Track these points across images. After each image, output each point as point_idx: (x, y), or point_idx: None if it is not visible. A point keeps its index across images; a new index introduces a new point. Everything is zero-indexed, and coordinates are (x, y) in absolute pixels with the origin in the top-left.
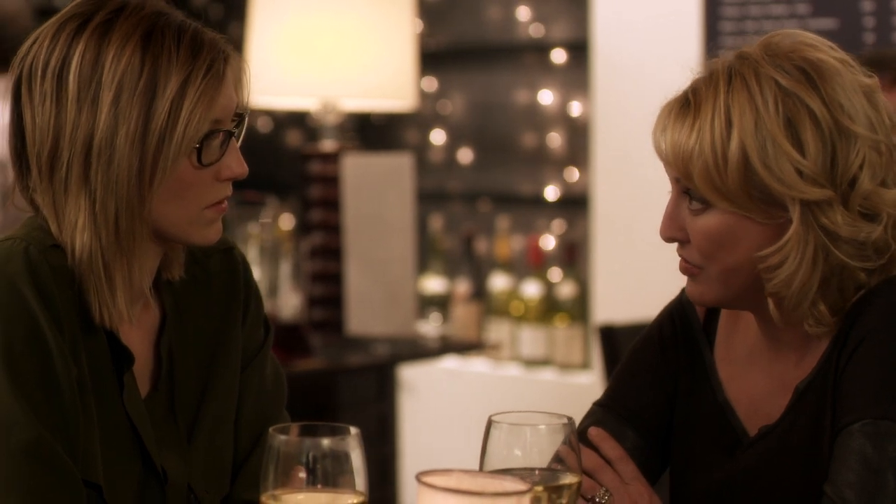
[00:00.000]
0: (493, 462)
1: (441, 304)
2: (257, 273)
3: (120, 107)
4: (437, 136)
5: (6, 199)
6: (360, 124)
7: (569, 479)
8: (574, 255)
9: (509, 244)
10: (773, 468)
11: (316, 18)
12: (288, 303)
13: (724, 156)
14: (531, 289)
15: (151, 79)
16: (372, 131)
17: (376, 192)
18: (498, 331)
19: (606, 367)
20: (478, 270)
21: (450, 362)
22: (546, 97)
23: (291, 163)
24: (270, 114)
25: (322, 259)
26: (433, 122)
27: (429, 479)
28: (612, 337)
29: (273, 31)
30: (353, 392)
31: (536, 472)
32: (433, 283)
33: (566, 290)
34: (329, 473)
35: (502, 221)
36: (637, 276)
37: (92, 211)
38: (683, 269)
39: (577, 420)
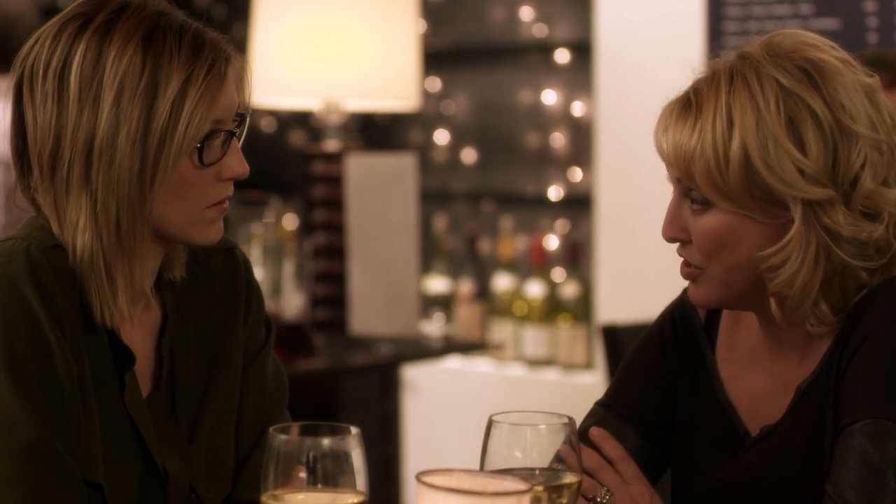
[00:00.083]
0: (494, 462)
1: (445, 304)
2: (260, 273)
3: (121, 107)
4: (441, 136)
5: (10, 200)
6: (363, 124)
7: (569, 478)
8: (577, 255)
9: (513, 244)
10: (775, 468)
11: (319, 19)
12: (291, 303)
13: (725, 155)
14: (535, 289)
15: (153, 79)
16: (376, 131)
17: (380, 192)
18: (501, 331)
19: (609, 368)
20: (481, 270)
21: (453, 362)
22: (549, 97)
23: (295, 163)
24: (274, 114)
25: (325, 259)
26: (437, 122)
27: (429, 479)
28: (615, 337)
29: (276, 31)
30: (357, 392)
31: (537, 471)
32: (437, 283)
33: (569, 290)
34: (329, 473)
35: (506, 221)
36: (640, 276)
37: (93, 211)
38: (685, 274)
39: (580, 420)
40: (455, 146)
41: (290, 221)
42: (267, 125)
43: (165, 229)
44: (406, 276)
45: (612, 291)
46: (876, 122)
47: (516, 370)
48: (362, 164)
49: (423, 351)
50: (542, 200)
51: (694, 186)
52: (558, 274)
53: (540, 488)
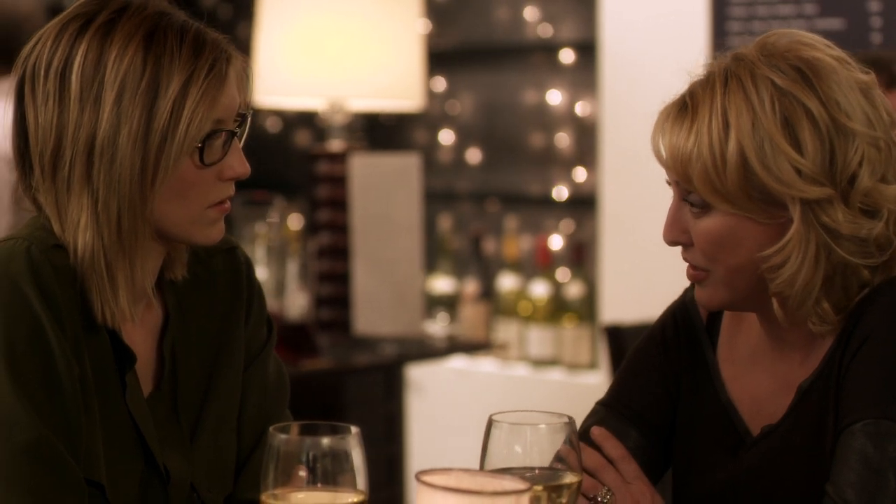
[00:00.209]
0: (494, 461)
1: (449, 303)
2: (264, 273)
3: (122, 106)
4: (446, 136)
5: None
6: (368, 124)
7: (569, 478)
8: (582, 256)
9: (517, 244)
10: (776, 468)
11: (324, 19)
12: (295, 302)
13: (722, 157)
14: (539, 289)
15: (153, 78)
16: (380, 131)
17: (384, 192)
18: (506, 331)
19: (613, 368)
20: (486, 270)
21: (458, 362)
22: (554, 97)
23: (300, 163)
24: (279, 114)
25: (329, 259)
26: (442, 123)
27: (428, 479)
28: (618, 337)
29: (281, 31)
30: (361, 392)
31: (536, 471)
32: (441, 283)
33: (574, 290)
34: (329, 472)
35: (510, 221)
36: (645, 276)
37: (94, 210)
38: (691, 276)
39: (582, 419)
40: (460, 146)
41: (295, 221)
42: (272, 125)
43: (166, 229)
44: (410, 276)
45: (616, 291)
46: (873, 118)
47: (521, 370)
48: (366, 164)
49: (428, 351)
50: (546, 200)
51: (692, 189)
52: (563, 274)
53: (539, 488)
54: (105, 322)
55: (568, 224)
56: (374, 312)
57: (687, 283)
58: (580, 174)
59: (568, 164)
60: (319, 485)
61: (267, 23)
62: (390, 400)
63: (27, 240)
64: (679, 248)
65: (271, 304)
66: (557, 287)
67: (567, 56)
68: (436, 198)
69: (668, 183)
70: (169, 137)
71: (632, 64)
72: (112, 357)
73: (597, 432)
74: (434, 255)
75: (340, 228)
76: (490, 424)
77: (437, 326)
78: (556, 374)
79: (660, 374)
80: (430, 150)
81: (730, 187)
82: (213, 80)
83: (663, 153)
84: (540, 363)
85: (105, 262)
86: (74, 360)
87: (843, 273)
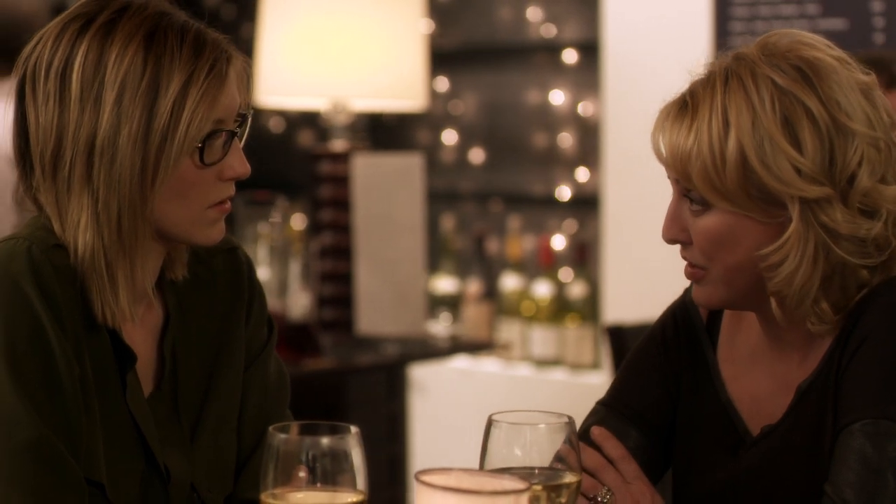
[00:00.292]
0: (493, 461)
1: (452, 303)
2: (267, 273)
3: (122, 106)
4: (449, 137)
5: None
6: (372, 124)
7: (568, 478)
8: (585, 255)
9: (520, 244)
10: (776, 468)
11: (327, 19)
12: (298, 302)
13: (722, 156)
14: (542, 289)
15: (154, 79)
16: (384, 131)
17: (386, 191)
18: (509, 331)
19: (615, 368)
20: (489, 270)
21: (461, 362)
22: (557, 97)
23: (303, 163)
24: (283, 114)
25: (332, 259)
26: (445, 123)
27: (427, 478)
28: (620, 337)
29: (284, 31)
30: (363, 392)
31: (536, 471)
32: (444, 283)
33: (577, 290)
34: (329, 472)
35: (513, 221)
36: (648, 276)
37: (94, 210)
38: (689, 275)
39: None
40: (463, 146)
41: (298, 221)
42: (275, 125)
43: (167, 229)
44: (412, 275)
45: (619, 291)
46: (873, 119)
47: (524, 370)
48: (369, 164)
49: (430, 351)
50: (549, 200)
51: (692, 187)
52: (566, 274)
53: (538, 487)
54: (105, 322)
55: (571, 224)
56: (377, 312)
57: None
58: (583, 174)
59: (571, 165)
60: (319, 485)
61: (270, 23)
62: (393, 400)
63: (28, 239)
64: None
65: (274, 303)
66: (560, 287)
67: (570, 56)
68: (439, 198)
69: (670, 181)
70: (169, 137)
71: (635, 64)
72: (112, 357)
73: (597, 432)
74: (437, 255)
75: (343, 228)
76: (489, 424)
77: (440, 326)
78: (558, 375)
79: (660, 374)
80: (433, 150)
81: (729, 186)
82: (213, 80)
83: (663, 151)
84: (543, 363)
85: (105, 262)
86: (75, 360)
87: (842, 273)
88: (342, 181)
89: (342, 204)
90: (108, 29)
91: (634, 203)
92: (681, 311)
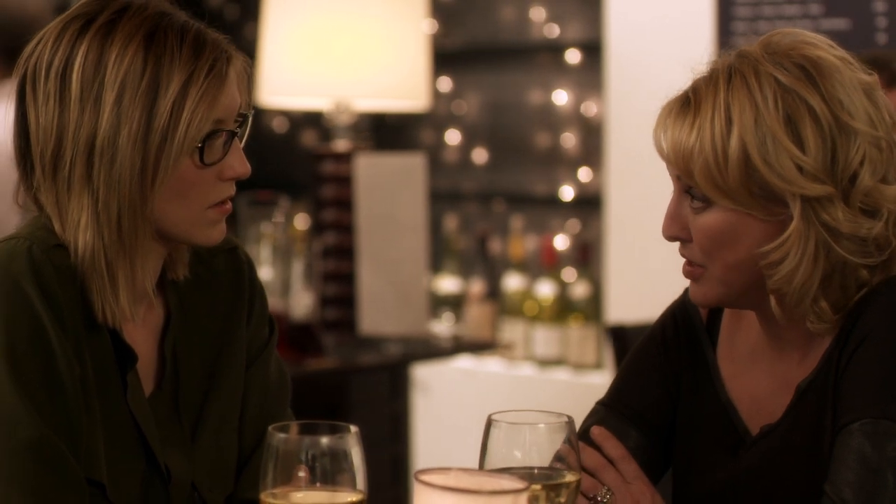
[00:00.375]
0: (493, 461)
1: (455, 303)
2: (270, 272)
3: (122, 106)
4: (452, 137)
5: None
6: (375, 124)
7: (568, 478)
8: (588, 256)
9: (523, 244)
10: (776, 467)
11: (330, 19)
12: (300, 302)
13: (724, 153)
14: (545, 289)
15: (154, 79)
16: (387, 131)
17: (389, 191)
18: (512, 331)
19: (617, 368)
20: (492, 270)
21: (464, 362)
22: (560, 97)
23: (307, 163)
24: (286, 114)
25: (335, 259)
26: (448, 123)
27: (426, 478)
28: (623, 337)
29: (287, 31)
30: (366, 392)
31: (535, 470)
32: (447, 283)
33: (580, 290)
34: (328, 472)
35: (516, 221)
36: (651, 276)
37: (94, 210)
38: (687, 273)
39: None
40: (466, 146)
41: (302, 221)
42: (279, 125)
43: (167, 229)
44: (415, 275)
45: (622, 291)
46: (875, 119)
47: (527, 370)
48: (371, 164)
49: (433, 351)
50: (552, 200)
51: (693, 184)
52: (569, 274)
53: (538, 487)
54: (106, 322)
55: (574, 224)
56: (380, 312)
57: None
58: (586, 174)
59: (574, 165)
60: (318, 484)
61: (273, 23)
62: (395, 400)
63: (28, 239)
64: None
65: (277, 303)
66: (563, 287)
67: (573, 56)
68: (442, 198)
69: (671, 178)
70: (169, 137)
71: (637, 64)
72: (113, 356)
73: (597, 432)
74: (440, 255)
75: (346, 228)
76: (489, 424)
77: (443, 326)
78: (561, 374)
79: (660, 374)
80: (436, 151)
81: (731, 183)
82: (213, 80)
83: (665, 148)
84: (545, 363)
85: (105, 262)
86: (75, 360)
87: (842, 272)
88: (345, 181)
89: (345, 204)
90: (108, 29)
91: (637, 203)
92: (680, 311)
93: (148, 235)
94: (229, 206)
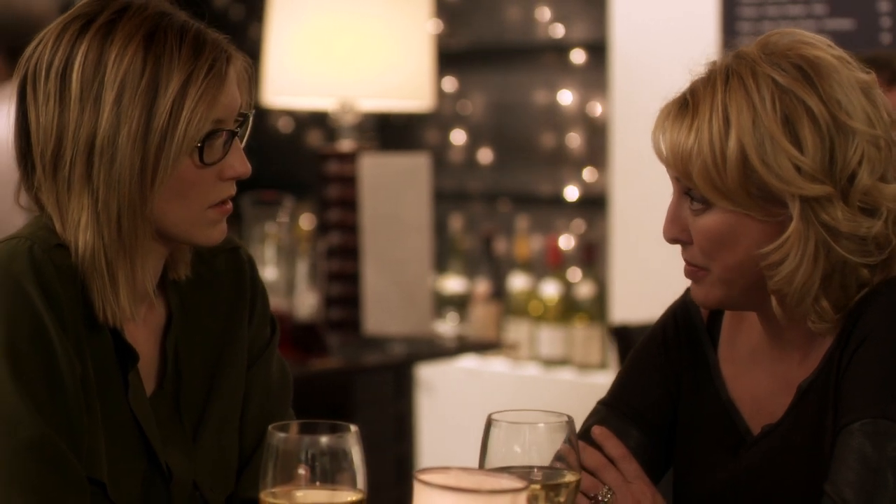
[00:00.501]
0: (493, 461)
1: (460, 303)
2: (274, 272)
3: (122, 106)
4: (458, 137)
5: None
6: (380, 124)
7: (567, 477)
8: (593, 256)
9: (528, 244)
10: (776, 467)
11: (335, 19)
12: (305, 302)
13: (722, 154)
14: (550, 289)
15: (153, 78)
16: (392, 131)
17: (393, 191)
18: (517, 331)
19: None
20: (497, 270)
21: (469, 362)
22: (565, 97)
23: (312, 163)
24: (291, 114)
25: (339, 259)
26: (453, 123)
27: (425, 477)
28: (626, 337)
29: (292, 31)
30: (371, 392)
31: (535, 470)
32: (453, 283)
33: (585, 290)
34: (328, 471)
35: (522, 221)
36: (656, 276)
37: (94, 209)
38: (688, 273)
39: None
40: (471, 146)
41: (307, 221)
42: (284, 125)
43: (167, 229)
44: (419, 275)
45: (627, 291)
46: (873, 118)
47: (531, 370)
48: (376, 164)
49: (438, 351)
50: (557, 200)
51: (692, 186)
52: (574, 274)
53: (537, 486)
54: (106, 321)
55: (579, 224)
56: (384, 312)
57: None
58: (591, 174)
59: (579, 165)
60: (318, 483)
61: (278, 23)
62: (400, 399)
63: (29, 239)
64: None
65: (281, 303)
66: (568, 287)
67: (578, 56)
68: (447, 198)
69: (671, 180)
70: (168, 137)
71: (642, 64)
72: (114, 356)
73: (598, 431)
74: (445, 255)
75: (350, 228)
76: (489, 423)
77: (448, 326)
78: (566, 374)
79: (661, 374)
80: (441, 150)
81: (730, 184)
82: (212, 79)
83: (664, 150)
84: (550, 363)
85: (105, 262)
86: (76, 359)
87: (842, 271)
88: (350, 181)
89: (350, 204)
90: (107, 29)
91: (642, 203)
92: (681, 311)
93: (148, 235)
94: (230, 205)
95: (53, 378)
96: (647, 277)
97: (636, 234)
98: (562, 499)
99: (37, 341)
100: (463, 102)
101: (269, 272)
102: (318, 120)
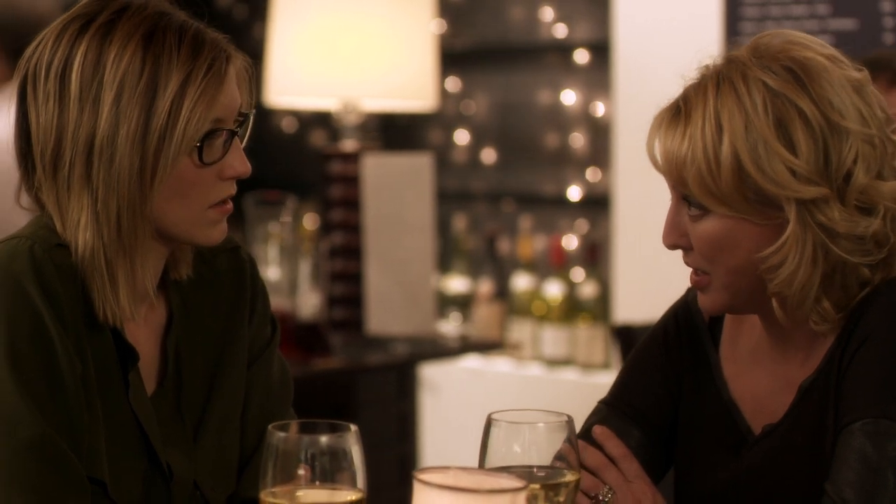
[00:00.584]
0: (493, 460)
1: (464, 303)
2: (277, 272)
3: (121, 106)
4: (461, 137)
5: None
6: (384, 124)
7: (567, 477)
8: (596, 256)
9: (532, 244)
10: (777, 467)
11: (338, 19)
12: (308, 302)
13: (716, 161)
14: (553, 289)
15: (152, 78)
16: (395, 131)
17: (396, 191)
18: (520, 330)
19: None
20: (500, 270)
21: (471, 362)
22: (569, 97)
23: (315, 163)
24: (295, 114)
25: (342, 258)
26: (457, 123)
27: (424, 477)
28: (629, 337)
29: (295, 31)
30: (373, 391)
31: (535, 469)
32: (456, 283)
33: (588, 290)
34: (328, 470)
35: (525, 221)
36: (659, 276)
37: (94, 209)
38: (694, 283)
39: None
40: (475, 146)
41: (310, 221)
42: (288, 125)
43: (167, 229)
44: (422, 275)
45: (630, 291)
46: (866, 116)
47: (535, 370)
48: (379, 164)
49: (441, 350)
50: (561, 200)
51: (688, 193)
52: (577, 274)
53: (537, 486)
54: (106, 320)
55: (582, 224)
56: (387, 312)
57: None
58: (594, 174)
59: (582, 165)
60: (318, 483)
61: (281, 23)
62: (403, 399)
63: (30, 239)
64: None
65: (284, 303)
66: (571, 287)
67: (581, 56)
68: (451, 198)
69: (668, 187)
70: (167, 137)
71: (646, 64)
72: (115, 355)
73: (599, 431)
74: (449, 255)
75: (353, 228)
76: (489, 423)
77: (451, 326)
78: (569, 374)
79: (662, 374)
80: (444, 151)
81: (725, 190)
82: (211, 79)
83: (658, 158)
84: (554, 363)
85: (105, 261)
86: (77, 359)
87: (843, 271)
88: (353, 181)
89: (353, 204)
90: (107, 29)
91: (645, 203)
92: (683, 311)
93: (148, 235)
94: (230, 205)
95: (54, 377)
96: (651, 277)
97: (639, 234)
98: (561, 498)
99: (37, 341)
100: (466, 102)
101: (272, 272)
102: (322, 120)
